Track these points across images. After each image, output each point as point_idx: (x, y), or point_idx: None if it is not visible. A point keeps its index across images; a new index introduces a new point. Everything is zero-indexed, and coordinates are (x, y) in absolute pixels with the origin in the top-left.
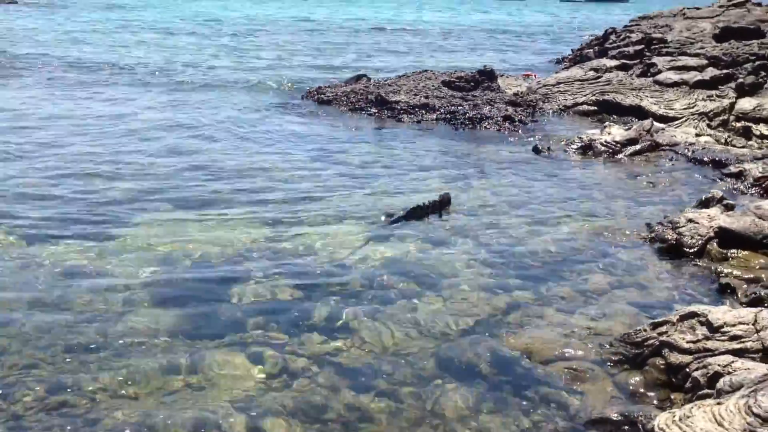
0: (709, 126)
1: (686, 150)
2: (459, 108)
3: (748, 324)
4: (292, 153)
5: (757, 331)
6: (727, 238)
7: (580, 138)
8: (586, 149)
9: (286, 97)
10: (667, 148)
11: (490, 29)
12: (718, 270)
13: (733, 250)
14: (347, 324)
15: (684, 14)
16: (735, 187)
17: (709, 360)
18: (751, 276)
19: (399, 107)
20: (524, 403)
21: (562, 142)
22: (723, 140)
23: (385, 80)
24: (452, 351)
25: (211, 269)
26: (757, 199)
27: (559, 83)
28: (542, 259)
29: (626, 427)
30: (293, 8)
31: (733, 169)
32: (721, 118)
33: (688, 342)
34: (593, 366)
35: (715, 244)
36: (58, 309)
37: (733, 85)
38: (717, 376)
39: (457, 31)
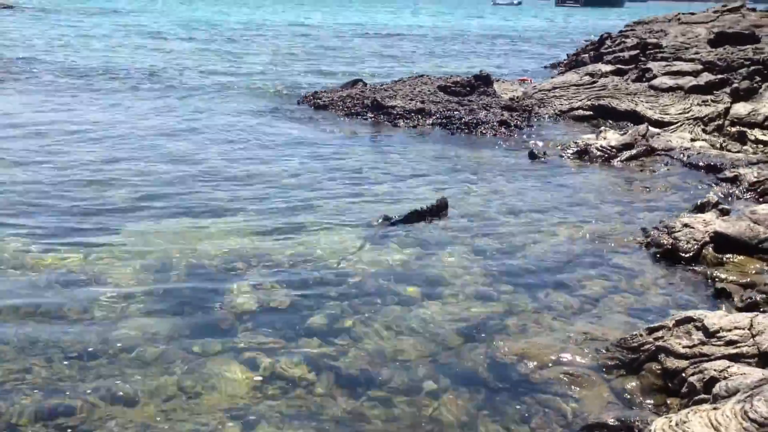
0: (704, 131)
1: (681, 155)
2: (455, 113)
3: (743, 329)
4: (288, 158)
5: (753, 336)
6: (722, 242)
7: (576, 143)
8: (582, 154)
9: (282, 102)
10: (663, 153)
11: (485, 34)
12: (714, 275)
13: (728, 255)
14: (344, 330)
15: (679, 19)
16: (730, 191)
17: (705, 365)
18: (747, 281)
19: (395, 112)
20: (521, 408)
21: (558, 147)
22: (718, 145)
23: (381, 85)
24: (449, 357)
25: (208, 276)
26: (752, 204)
27: (554, 88)
28: (538, 265)
29: None
30: (289, 13)
31: (728, 173)
32: (716, 123)
33: (684, 347)
34: (590, 371)
35: (710, 248)
36: (53, 316)
37: (728, 90)
38: (713, 381)
39: (453, 36)
